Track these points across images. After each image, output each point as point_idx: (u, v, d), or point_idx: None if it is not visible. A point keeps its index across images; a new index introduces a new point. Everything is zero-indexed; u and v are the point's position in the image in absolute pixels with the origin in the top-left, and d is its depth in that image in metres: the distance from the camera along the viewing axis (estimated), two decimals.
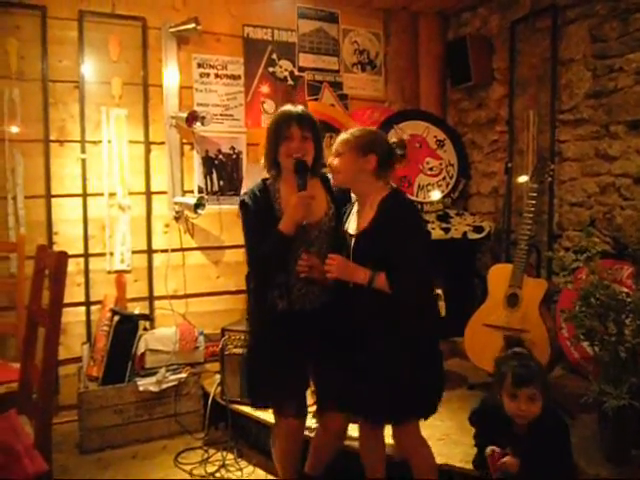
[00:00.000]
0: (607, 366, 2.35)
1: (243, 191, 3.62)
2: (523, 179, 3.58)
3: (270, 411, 2.72)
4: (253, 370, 2.23)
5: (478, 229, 3.72)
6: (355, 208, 2.15)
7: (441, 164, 4.08)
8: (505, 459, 2.01)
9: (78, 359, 3.30)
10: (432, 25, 4.30)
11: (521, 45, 3.74)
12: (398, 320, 1.97)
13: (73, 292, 3.35)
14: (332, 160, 2.10)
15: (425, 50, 4.30)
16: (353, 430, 2.53)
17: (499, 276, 3.00)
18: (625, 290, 2.57)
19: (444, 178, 4.06)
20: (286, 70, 3.92)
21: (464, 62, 3.95)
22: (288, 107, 2.18)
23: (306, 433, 2.38)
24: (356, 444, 2.48)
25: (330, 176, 2.26)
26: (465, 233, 3.68)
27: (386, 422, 2.15)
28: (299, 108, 2.18)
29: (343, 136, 2.10)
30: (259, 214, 2.11)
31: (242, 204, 2.16)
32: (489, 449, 2.09)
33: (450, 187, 4.04)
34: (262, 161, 2.23)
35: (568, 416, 2.50)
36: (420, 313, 2.00)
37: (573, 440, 2.27)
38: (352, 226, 2.11)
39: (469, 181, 4.19)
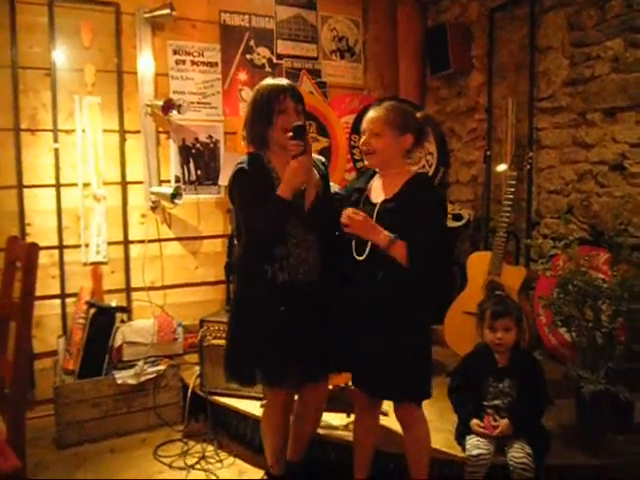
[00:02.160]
0: (584, 351, 2.38)
1: (221, 180, 3.59)
2: (502, 168, 3.59)
3: (248, 401, 2.74)
4: (247, 346, 2.11)
5: (457, 217, 3.73)
6: (376, 179, 2.10)
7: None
8: (499, 428, 2.17)
9: (54, 352, 3.24)
10: (411, 12, 4.26)
11: (500, 33, 3.73)
12: (408, 295, 1.96)
13: (48, 284, 3.29)
14: (367, 141, 2.02)
15: (404, 37, 4.27)
16: (331, 418, 2.56)
17: (478, 264, 3.01)
18: (601, 276, 2.59)
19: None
20: (264, 57, 3.87)
21: (443, 50, 3.93)
22: (273, 80, 2.10)
23: None
24: (336, 433, 2.51)
25: (317, 157, 2.22)
26: None
27: (388, 397, 2.14)
28: (286, 81, 2.11)
29: (377, 114, 2.01)
30: (257, 181, 2.03)
31: (239, 172, 2.04)
32: (475, 425, 2.20)
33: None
34: (242, 133, 2.15)
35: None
36: (429, 290, 2.01)
37: (551, 425, 2.33)
38: (372, 194, 2.07)
39: (448, 169, 4.19)
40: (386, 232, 1.92)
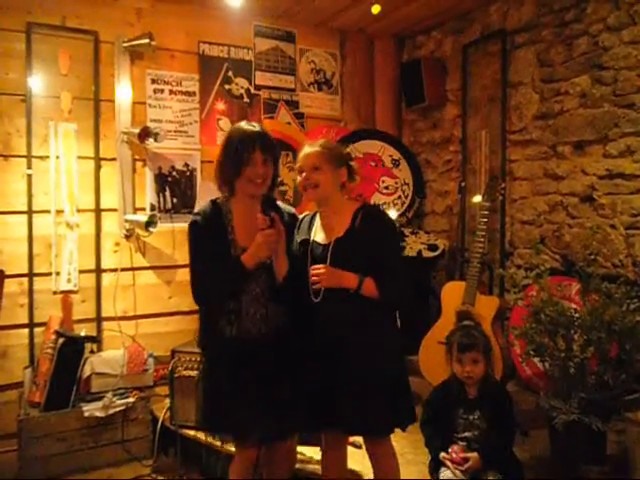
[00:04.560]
0: (557, 381, 2.38)
1: (197, 209, 3.57)
2: (477, 199, 3.64)
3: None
4: (210, 398, 2.08)
5: (433, 247, 3.75)
6: (317, 221, 2.10)
7: (396, 183, 4.11)
8: (469, 463, 2.12)
9: (20, 384, 3.13)
10: (387, 47, 4.37)
11: (473, 67, 3.83)
12: (377, 327, 1.98)
13: (16, 313, 3.21)
14: (308, 175, 2.02)
15: (381, 71, 4.36)
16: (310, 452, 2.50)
17: (452, 293, 3.02)
18: (573, 306, 2.61)
19: (399, 197, 4.09)
20: (242, 88, 3.91)
21: (418, 83, 4.02)
22: (246, 126, 2.08)
23: None
24: (309, 467, 2.44)
25: (280, 204, 2.18)
26: (420, 251, 3.70)
27: (362, 433, 2.08)
28: (258, 128, 2.08)
29: (314, 149, 2.04)
30: (209, 238, 2.02)
31: (192, 224, 2.06)
32: (443, 457, 2.16)
33: (405, 206, 4.07)
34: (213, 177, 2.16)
35: (520, 433, 2.51)
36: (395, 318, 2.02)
37: (525, 456, 2.30)
38: (319, 237, 2.06)
39: (424, 200, 4.23)
40: (353, 275, 1.93)
